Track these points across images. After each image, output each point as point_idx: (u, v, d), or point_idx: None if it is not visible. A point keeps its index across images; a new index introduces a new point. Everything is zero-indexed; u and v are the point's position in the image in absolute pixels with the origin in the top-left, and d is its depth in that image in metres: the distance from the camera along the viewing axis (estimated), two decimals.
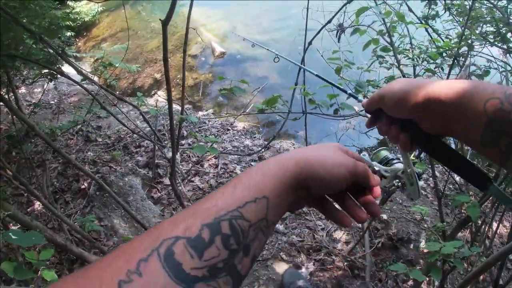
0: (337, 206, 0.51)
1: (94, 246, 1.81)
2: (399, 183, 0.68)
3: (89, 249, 1.88)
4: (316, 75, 0.96)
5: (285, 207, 0.42)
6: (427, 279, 1.52)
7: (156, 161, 2.75)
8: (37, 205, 2.25)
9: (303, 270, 2.02)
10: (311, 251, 2.14)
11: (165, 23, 1.21)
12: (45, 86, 3.59)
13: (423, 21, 1.89)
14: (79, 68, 1.68)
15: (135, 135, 2.76)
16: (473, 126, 0.46)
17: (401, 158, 0.69)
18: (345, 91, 0.82)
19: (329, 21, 1.91)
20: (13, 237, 0.81)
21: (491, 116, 0.44)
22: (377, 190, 0.53)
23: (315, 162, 0.44)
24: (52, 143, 1.39)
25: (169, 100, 1.45)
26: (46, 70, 1.86)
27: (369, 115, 0.66)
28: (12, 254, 1.32)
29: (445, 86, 0.49)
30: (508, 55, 1.82)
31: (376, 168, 0.69)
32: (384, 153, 0.72)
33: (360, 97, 0.75)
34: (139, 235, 0.34)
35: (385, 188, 0.69)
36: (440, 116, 0.50)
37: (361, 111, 1.68)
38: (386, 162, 0.71)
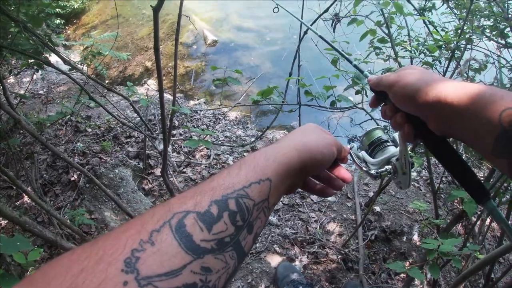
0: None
1: (85, 240, 1.77)
2: (391, 170, 0.66)
3: (80, 243, 1.84)
4: (320, 36, 0.92)
5: (284, 191, 0.45)
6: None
7: (147, 151, 2.70)
8: (27, 198, 2.20)
9: (297, 263, 2.02)
10: (304, 243, 2.13)
11: (156, 9, 1.15)
12: (34, 76, 3.49)
13: (419, 13, 1.86)
14: (65, 58, 1.61)
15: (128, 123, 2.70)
16: (484, 134, 0.44)
17: (396, 140, 0.67)
18: (350, 61, 0.79)
19: (326, 10, 1.87)
20: None
21: (506, 127, 0.42)
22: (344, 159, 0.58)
23: (311, 147, 0.48)
24: (39, 136, 1.34)
25: (161, 91, 1.40)
26: (33, 60, 1.79)
27: (373, 94, 0.63)
28: None
29: (458, 89, 0.47)
30: (504, 49, 1.81)
31: (364, 167, 0.67)
32: (378, 133, 0.70)
33: (366, 72, 0.71)
34: (149, 209, 0.35)
35: (377, 173, 0.65)
36: (449, 119, 0.48)
37: (359, 103, 1.65)
38: (379, 143, 0.69)
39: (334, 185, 0.56)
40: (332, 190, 0.56)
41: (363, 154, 0.70)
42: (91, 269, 0.28)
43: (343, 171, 0.57)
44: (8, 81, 3.53)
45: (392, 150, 0.66)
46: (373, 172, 0.65)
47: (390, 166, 0.65)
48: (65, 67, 1.87)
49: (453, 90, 0.47)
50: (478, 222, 1.61)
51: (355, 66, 0.76)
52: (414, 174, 2.64)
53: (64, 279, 0.27)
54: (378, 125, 0.69)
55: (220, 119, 3.42)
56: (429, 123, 0.52)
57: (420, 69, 0.55)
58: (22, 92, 3.20)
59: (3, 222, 2.06)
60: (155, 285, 0.28)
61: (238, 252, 0.36)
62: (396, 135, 0.66)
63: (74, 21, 5.49)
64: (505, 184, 1.30)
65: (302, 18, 1.95)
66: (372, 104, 0.63)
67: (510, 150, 0.43)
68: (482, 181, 0.52)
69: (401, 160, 0.63)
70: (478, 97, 0.45)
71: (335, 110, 1.66)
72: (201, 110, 3.48)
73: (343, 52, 0.81)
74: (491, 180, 1.30)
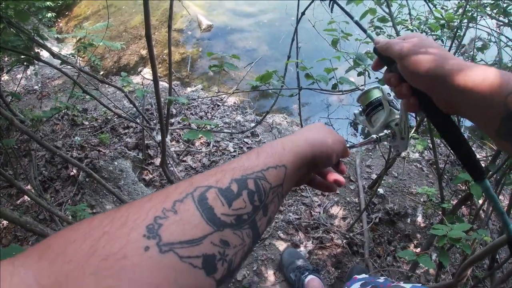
0: None
1: None
2: (391, 134, 0.66)
3: None
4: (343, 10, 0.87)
5: (296, 180, 0.47)
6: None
7: (146, 142, 2.67)
8: (27, 196, 2.18)
9: (302, 248, 2.01)
10: (308, 228, 2.12)
11: None
12: (28, 72, 3.42)
13: None
14: (55, 52, 1.56)
15: (124, 115, 2.66)
16: (490, 116, 0.45)
17: (394, 102, 0.67)
18: (361, 26, 0.75)
19: None
20: None
21: (511, 110, 0.43)
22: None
23: (322, 142, 0.50)
24: (34, 135, 1.30)
25: (155, 82, 1.35)
26: (23, 56, 1.73)
27: (377, 56, 0.63)
28: None
29: (466, 70, 0.47)
30: (504, 28, 1.76)
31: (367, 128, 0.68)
32: (376, 93, 0.69)
33: (369, 32, 0.69)
34: (172, 185, 0.36)
35: (377, 137, 0.66)
36: (456, 99, 0.49)
37: (362, 85, 1.61)
38: (377, 104, 0.68)
39: (337, 181, 0.57)
40: (335, 186, 0.58)
41: (364, 119, 0.71)
42: (112, 234, 0.28)
43: (343, 167, 0.61)
44: (3, 78, 3.47)
45: (391, 113, 0.66)
46: (374, 136, 0.66)
47: (389, 131, 0.66)
48: (57, 61, 1.82)
49: (461, 71, 0.47)
50: (485, 205, 1.59)
51: (357, 23, 0.74)
52: (416, 155, 2.62)
53: (84, 242, 0.27)
54: (379, 87, 0.68)
55: (218, 105, 3.37)
56: (435, 100, 0.53)
57: (430, 42, 0.54)
58: (16, 89, 3.13)
59: (4, 223, 2.04)
60: (176, 252, 0.29)
61: (254, 232, 0.37)
62: (397, 100, 0.66)
63: (66, 13, 5.36)
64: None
65: None
66: (375, 67, 0.63)
67: None
68: (481, 161, 0.54)
69: (401, 126, 0.63)
70: (485, 80, 0.45)
71: (337, 93, 1.61)
72: (198, 98, 3.43)
73: (348, 11, 0.77)
74: (497, 161, 1.28)
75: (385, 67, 0.62)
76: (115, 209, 0.32)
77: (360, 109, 0.73)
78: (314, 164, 0.49)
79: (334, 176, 0.57)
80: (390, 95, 0.67)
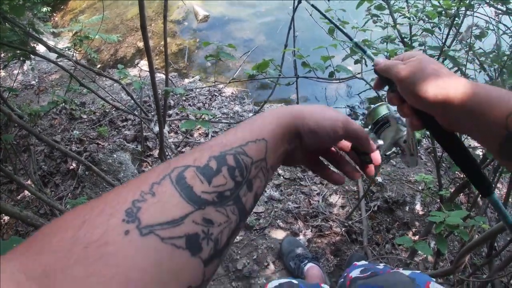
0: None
1: None
2: (399, 151, 0.66)
3: None
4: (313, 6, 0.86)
5: (281, 154, 0.45)
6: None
7: (144, 134, 2.67)
8: (27, 191, 2.19)
9: (301, 237, 2.03)
10: (308, 217, 2.14)
11: None
12: (25, 67, 3.40)
13: None
14: (51, 46, 1.55)
15: (121, 107, 2.66)
16: (492, 136, 0.46)
17: (402, 119, 0.65)
18: (350, 38, 0.73)
19: None
20: None
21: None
22: (376, 157, 0.57)
23: (307, 114, 0.47)
24: (32, 130, 1.30)
25: (152, 72, 1.35)
26: (19, 51, 1.72)
27: (377, 76, 0.62)
28: None
29: (467, 90, 0.48)
30: (502, 16, 1.74)
31: (380, 142, 0.66)
32: (383, 110, 0.67)
33: (369, 51, 0.67)
34: (150, 169, 0.35)
35: (385, 155, 0.65)
36: (457, 119, 0.49)
37: (358, 73, 1.60)
38: (384, 122, 0.66)
39: (348, 174, 0.55)
40: (343, 178, 0.55)
41: (374, 137, 0.68)
42: (92, 221, 0.28)
43: (371, 169, 0.57)
44: (0, 74, 3.46)
45: (398, 130, 0.65)
46: (381, 154, 0.64)
47: (397, 148, 0.65)
48: (53, 55, 1.81)
49: (462, 91, 0.48)
50: None
51: (356, 44, 0.71)
52: None
53: (66, 232, 0.28)
54: (379, 97, 0.67)
55: (216, 95, 3.36)
56: (438, 120, 0.52)
57: (429, 63, 0.52)
58: (13, 84, 3.12)
59: (6, 218, 2.06)
60: (156, 234, 0.29)
61: (239, 208, 0.36)
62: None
63: (61, 7, 5.30)
64: None
65: None
66: (376, 86, 0.62)
67: None
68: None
69: (409, 142, 0.62)
70: (486, 100, 0.46)
71: (334, 81, 1.61)
72: (196, 88, 3.42)
73: (344, 31, 0.75)
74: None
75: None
76: (96, 198, 0.32)
77: (369, 127, 0.72)
78: (297, 137, 0.47)
79: (346, 167, 0.55)
80: (397, 112, 0.66)
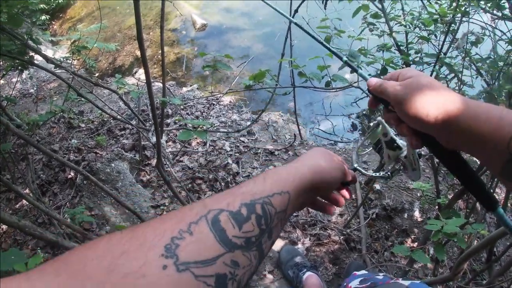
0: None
1: (87, 238, 1.76)
2: (401, 167, 0.67)
3: (82, 241, 1.83)
4: (305, 32, 0.86)
5: (298, 206, 0.50)
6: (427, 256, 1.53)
7: (142, 143, 2.67)
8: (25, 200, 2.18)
9: (300, 245, 2.02)
10: (306, 226, 2.13)
11: None
12: (23, 76, 3.41)
13: None
14: (48, 56, 1.56)
15: (119, 117, 2.66)
16: (494, 158, 0.45)
17: (398, 142, 0.67)
18: (340, 57, 0.72)
19: None
20: None
21: None
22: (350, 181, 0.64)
23: (323, 169, 0.53)
24: (30, 139, 1.30)
25: (148, 83, 1.35)
26: (18, 61, 1.73)
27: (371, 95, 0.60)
28: None
29: (469, 111, 0.47)
30: (499, 22, 1.76)
31: (374, 174, 0.71)
32: (382, 130, 0.68)
33: (364, 72, 0.68)
34: (186, 206, 0.39)
35: (389, 174, 0.68)
36: (458, 140, 0.49)
37: (355, 82, 1.61)
38: (383, 141, 0.68)
39: (336, 202, 0.61)
40: (333, 208, 0.62)
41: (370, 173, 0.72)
42: (132, 252, 0.30)
43: (347, 192, 0.64)
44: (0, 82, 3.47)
45: (399, 147, 0.66)
46: (384, 174, 0.68)
47: (399, 164, 0.66)
48: (51, 65, 1.81)
49: (463, 112, 0.47)
50: None
51: (347, 63, 0.70)
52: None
53: (104, 259, 0.28)
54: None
55: (214, 104, 3.37)
56: (439, 139, 0.52)
57: (425, 81, 0.51)
58: (12, 93, 3.13)
59: (4, 227, 2.04)
60: (192, 271, 0.30)
61: (260, 253, 0.39)
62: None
63: (60, 15, 5.33)
64: None
65: None
66: (371, 105, 0.61)
67: None
68: (491, 192, 0.53)
69: (410, 157, 0.63)
70: (488, 121, 0.45)
71: (331, 90, 1.62)
72: (194, 98, 3.43)
73: (333, 49, 0.75)
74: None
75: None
76: (132, 228, 0.33)
77: (372, 146, 0.73)
78: (315, 190, 0.52)
79: (334, 196, 0.61)
80: (390, 134, 0.66)
